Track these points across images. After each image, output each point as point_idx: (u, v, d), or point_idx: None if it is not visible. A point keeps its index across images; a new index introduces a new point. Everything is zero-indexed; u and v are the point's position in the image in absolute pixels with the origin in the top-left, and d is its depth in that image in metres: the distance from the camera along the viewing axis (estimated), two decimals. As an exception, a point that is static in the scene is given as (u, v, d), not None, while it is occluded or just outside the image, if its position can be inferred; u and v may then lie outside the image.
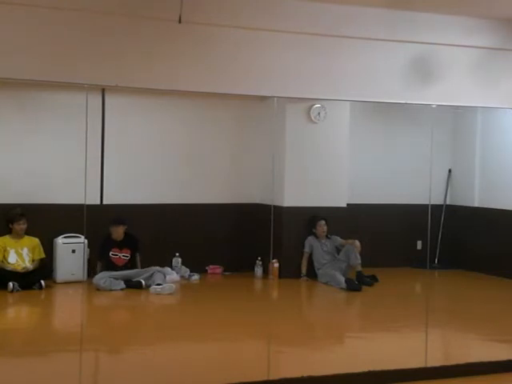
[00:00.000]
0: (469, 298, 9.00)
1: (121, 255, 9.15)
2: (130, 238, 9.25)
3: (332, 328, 7.54)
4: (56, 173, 9.30)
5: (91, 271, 9.11)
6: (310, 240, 9.77)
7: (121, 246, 9.17)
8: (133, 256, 9.21)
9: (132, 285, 8.79)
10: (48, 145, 9.35)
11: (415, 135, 10.61)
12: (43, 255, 8.95)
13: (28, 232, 8.95)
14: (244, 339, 6.80)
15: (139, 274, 8.95)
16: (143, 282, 8.79)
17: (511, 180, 10.11)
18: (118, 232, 9.15)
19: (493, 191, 10.48)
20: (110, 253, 9.10)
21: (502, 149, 10.38)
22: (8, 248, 8.77)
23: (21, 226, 8.85)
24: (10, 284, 8.35)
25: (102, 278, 8.74)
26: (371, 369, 5.63)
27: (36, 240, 8.95)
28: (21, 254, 8.80)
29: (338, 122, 9.91)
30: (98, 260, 9.12)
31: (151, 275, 8.87)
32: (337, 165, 9.93)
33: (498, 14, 8.33)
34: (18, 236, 8.87)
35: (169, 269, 9.51)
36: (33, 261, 8.84)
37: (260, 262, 9.77)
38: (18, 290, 8.37)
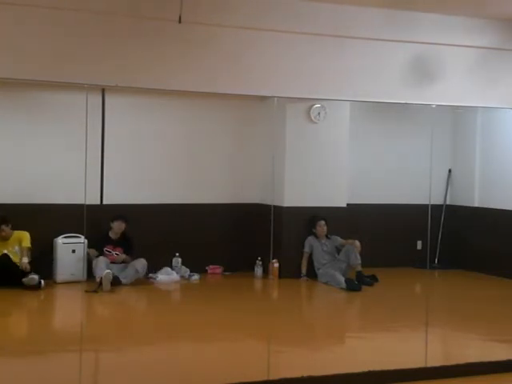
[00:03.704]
0: (469, 298, 8.99)
1: (114, 253, 9.24)
2: (127, 240, 9.34)
3: (332, 328, 7.54)
4: (56, 173, 9.30)
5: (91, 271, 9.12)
6: (310, 240, 9.77)
7: (116, 244, 9.27)
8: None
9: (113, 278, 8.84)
10: (48, 145, 9.35)
11: (415, 135, 10.61)
12: (28, 244, 8.83)
13: (28, 232, 8.91)
14: (244, 339, 6.80)
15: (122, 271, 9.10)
16: (122, 281, 8.93)
17: (511, 180, 10.11)
18: (119, 227, 9.24)
19: (493, 191, 10.48)
20: (105, 248, 9.19)
21: (501, 149, 10.38)
22: None
23: (2, 234, 8.79)
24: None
25: (102, 263, 8.86)
26: (371, 369, 5.63)
27: (22, 233, 8.86)
28: (13, 252, 8.77)
29: (338, 122, 9.91)
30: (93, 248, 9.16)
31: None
32: (337, 165, 9.93)
33: (498, 14, 8.33)
34: (6, 238, 8.83)
35: (169, 269, 9.53)
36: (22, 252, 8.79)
37: (260, 262, 9.76)
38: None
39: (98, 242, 9.18)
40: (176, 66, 7.39)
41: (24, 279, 8.48)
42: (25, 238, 8.88)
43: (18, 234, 8.90)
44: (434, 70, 8.16)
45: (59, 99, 9.21)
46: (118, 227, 9.27)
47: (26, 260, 8.70)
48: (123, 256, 9.23)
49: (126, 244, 9.32)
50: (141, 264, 9.12)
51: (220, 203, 10.07)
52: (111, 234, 9.30)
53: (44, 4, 6.91)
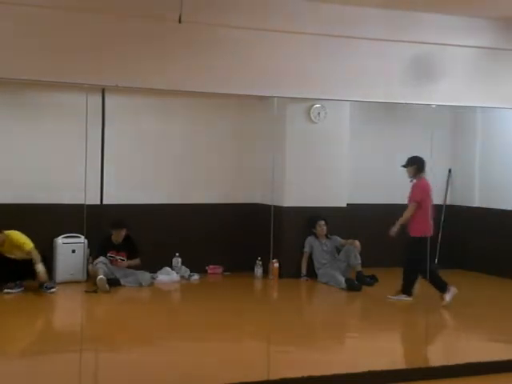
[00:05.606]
0: (469, 297, 8.99)
1: (117, 257, 9.18)
2: (130, 243, 9.26)
3: (332, 328, 7.54)
4: (56, 173, 9.29)
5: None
6: (310, 240, 9.77)
7: (118, 248, 9.19)
8: (129, 259, 9.23)
9: (111, 279, 8.82)
10: (48, 145, 9.34)
11: (415, 135, 10.60)
12: (29, 247, 8.48)
13: (28, 232, 8.85)
14: (244, 339, 6.80)
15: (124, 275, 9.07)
16: (126, 285, 8.95)
17: (511, 180, 10.10)
18: (119, 235, 9.16)
19: (493, 191, 10.48)
20: (108, 254, 9.12)
21: (502, 149, 10.38)
22: None
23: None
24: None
25: (102, 263, 8.84)
26: (371, 369, 5.64)
27: (14, 235, 8.49)
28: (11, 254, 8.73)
29: (338, 122, 9.91)
30: (97, 255, 9.08)
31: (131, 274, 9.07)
32: (337, 165, 9.94)
33: (498, 13, 8.33)
34: (1, 245, 8.55)
35: (169, 269, 9.53)
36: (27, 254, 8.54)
37: (260, 262, 9.76)
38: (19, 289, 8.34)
39: (100, 248, 9.09)
40: (176, 66, 7.39)
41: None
42: (20, 240, 8.50)
43: (8, 235, 8.49)
44: (434, 69, 8.16)
45: (59, 99, 9.20)
46: (117, 235, 9.14)
47: (41, 268, 8.38)
48: (126, 263, 9.15)
49: (130, 247, 9.24)
50: (145, 278, 9.08)
51: (220, 203, 10.07)
52: (113, 239, 9.19)
53: (44, 4, 6.92)
